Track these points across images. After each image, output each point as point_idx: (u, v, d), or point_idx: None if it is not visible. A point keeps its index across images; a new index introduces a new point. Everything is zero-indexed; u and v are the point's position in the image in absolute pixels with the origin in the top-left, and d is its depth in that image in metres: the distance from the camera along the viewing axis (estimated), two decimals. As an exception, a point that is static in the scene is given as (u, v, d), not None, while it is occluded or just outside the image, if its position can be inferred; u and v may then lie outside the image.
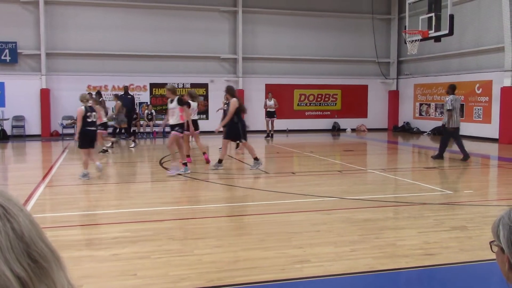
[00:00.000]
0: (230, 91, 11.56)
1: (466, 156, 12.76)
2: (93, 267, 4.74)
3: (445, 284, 4.73)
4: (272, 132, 19.91)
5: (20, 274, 0.63)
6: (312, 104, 24.20)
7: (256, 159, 11.28)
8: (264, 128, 20.47)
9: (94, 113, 10.56)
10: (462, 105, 14.29)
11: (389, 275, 4.70)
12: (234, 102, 11.22)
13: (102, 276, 4.52)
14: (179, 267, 4.73)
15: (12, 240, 0.64)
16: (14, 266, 0.63)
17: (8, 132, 19.53)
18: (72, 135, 19.61)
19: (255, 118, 22.96)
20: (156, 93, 21.95)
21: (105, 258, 5.01)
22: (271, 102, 19.94)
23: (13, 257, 0.63)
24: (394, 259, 5.00)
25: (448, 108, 12.58)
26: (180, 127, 10.56)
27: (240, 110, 11.32)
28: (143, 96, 21.74)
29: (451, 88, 12.98)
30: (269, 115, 20.12)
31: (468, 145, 17.58)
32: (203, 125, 22.09)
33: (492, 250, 1.45)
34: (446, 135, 12.98)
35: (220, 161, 11.37)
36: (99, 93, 17.42)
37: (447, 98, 12.83)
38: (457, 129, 12.95)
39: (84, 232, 6.08)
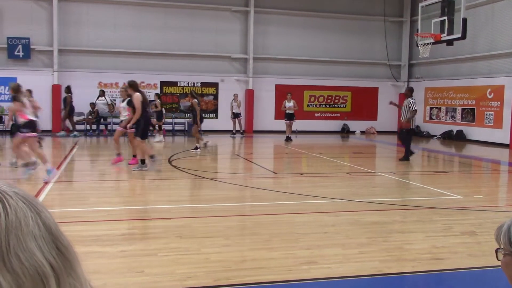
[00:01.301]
0: (133, 86, 10.66)
1: (407, 157, 13.16)
2: (100, 263, 4.76)
3: (452, 289, 4.70)
4: (290, 136, 19.26)
5: (52, 262, 0.66)
6: (322, 106, 24.15)
7: (143, 161, 10.69)
8: (275, 129, 20.54)
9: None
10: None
11: (396, 278, 4.68)
12: (137, 96, 10.47)
13: (110, 273, 4.54)
14: (186, 265, 4.73)
15: (43, 231, 0.68)
16: (47, 254, 0.66)
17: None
18: (81, 131, 19.75)
19: (264, 119, 22.99)
20: (166, 91, 22.01)
21: (113, 255, 5.03)
22: (291, 104, 19.23)
23: (45, 246, 0.67)
24: (402, 263, 4.98)
25: (415, 109, 12.99)
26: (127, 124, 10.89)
27: (145, 105, 10.67)
28: (153, 94, 21.77)
29: (410, 91, 13.53)
30: (288, 117, 19.37)
31: (479, 150, 17.49)
32: (213, 123, 22.26)
33: (497, 258, 1.41)
34: (409, 135, 13.48)
35: (142, 161, 10.73)
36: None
37: (410, 100, 13.11)
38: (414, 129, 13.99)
39: (92, 228, 6.11)
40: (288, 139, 19.02)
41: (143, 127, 10.64)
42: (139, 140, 10.71)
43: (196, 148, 14.18)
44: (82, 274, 0.72)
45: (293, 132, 20.26)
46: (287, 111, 19.22)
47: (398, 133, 14.03)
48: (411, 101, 13.01)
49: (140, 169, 10.64)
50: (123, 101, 11.35)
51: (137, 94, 10.51)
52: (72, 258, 0.70)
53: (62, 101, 19.76)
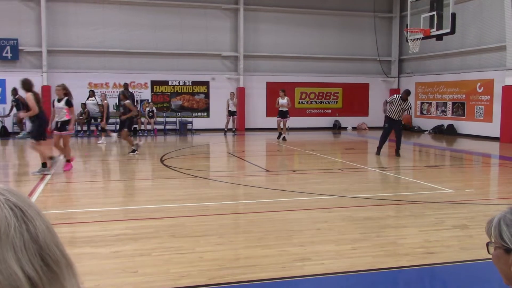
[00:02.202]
0: (26, 85, 9.94)
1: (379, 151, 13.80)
2: (94, 264, 4.75)
3: (445, 283, 4.73)
4: (284, 135, 18.27)
5: (31, 275, 0.64)
6: (313, 102, 24.19)
7: (44, 165, 10.12)
8: (267, 126, 20.52)
9: None
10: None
11: (389, 273, 4.70)
12: (29, 96, 9.88)
13: (103, 273, 4.52)
14: (180, 265, 4.73)
15: (26, 241, 0.65)
16: (25, 266, 0.64)
17: (9, 129, 19.52)
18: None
19: (256, 116, 22.99)
20: (157, 91, 21.95)
21: (106, 255, 5.02)
22: (284, 101, 18.31)
23: (25, 258, 0.64)
24: (395, 258, 5.01)
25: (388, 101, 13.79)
26: (67, 124, 10.61)
27: (40, 105, 10.09)
28: (144, 94, 21.74)
29: (407, 94, 13.71)
30: (282, 115, 18.41)
31: (469, 144, 17.60)
32: (204, 122, 22.23)
33: (489, 252, 1.42)
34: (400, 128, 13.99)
35: (44, 164, 10.12)
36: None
37: (410, 104, 13.86)
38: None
39: (85, 229, 6.09)
40: (280, 137, 18.26)
41: (37, 128, 10.12)
42: (33, 142, 10.14)
43: (133, 151, 13.55)
44: (72, 281, 0.69)
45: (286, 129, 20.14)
46: (280, 109, 18.42)
47: (388, 129, 14.00)
48: (410, 105, 13.94)
49: (42, 173, 10.01)
50: (59, 100, 10.60)
51: (29, 93, 9.93)
52: (60, 271, 0.67)
53: (15, 102, 18.50)
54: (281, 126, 18.41)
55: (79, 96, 20.19)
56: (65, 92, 10.64)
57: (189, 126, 21.20)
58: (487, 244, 1.42)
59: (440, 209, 7.21)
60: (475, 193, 8.55)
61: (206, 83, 22.55)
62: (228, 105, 20.90)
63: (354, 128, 24.20)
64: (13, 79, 20.01)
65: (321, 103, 24.31)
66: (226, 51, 22.62)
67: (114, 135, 17.43)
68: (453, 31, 15.81)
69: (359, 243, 5.44)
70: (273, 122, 21.59)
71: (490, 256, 1.43)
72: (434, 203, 7.54)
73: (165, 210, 7.11)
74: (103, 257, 4.96)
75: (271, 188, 8.78)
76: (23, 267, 0.63)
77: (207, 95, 22.59)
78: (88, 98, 20.05)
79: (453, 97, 21.28)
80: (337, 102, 24.55)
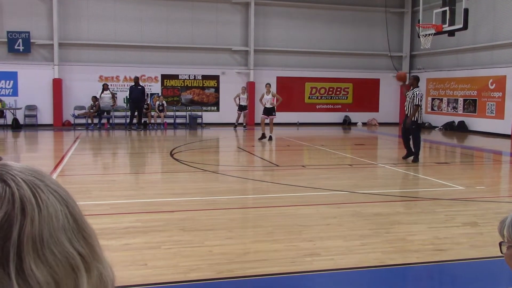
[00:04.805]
0: None
1: (411, 154, 11.67)
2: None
3: (455, 280, 4.72)
4: (270, 134, 16.15)
5: (81, 251, 0.71)
6: (323, 98, 24.11)
7: None
8: (276, 121, 20.34)
9: None
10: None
11: (399, 270, 4.69)
12: None
13: (113, 266, 4.53)
14: (189, 258, 4.75)
15: (71, 222, 0.72)
16: (76, 244, 0.71)
17: (21, 121, 19.68)
18: (83, 125, 19.78)
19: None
20: (167, 85, 22.00)
21: (116, 248, 5.05)
22: (269, 96, 16.24)
23: (74, 237, 0.71)
24: (404, 254, 4.99)
25: (417, 104, 11.31)
26: None
27: None
28: (154, 87, 21.79)
29: (416, 80, 11.74)
30: (266, 112, 16.33)
31: (481, 141, 17.47)
32: (214, 117, 22.27)
33: (501, 251, 1.42)
34: (418, 131, 11.64)
35: None
36: None
37: (415, 91, 11.50)
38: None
39: (95, 222, 6.12)
40: (263, 136, 16.17)
41: None
42: None
43: None
44: (103, 255, 0.77)
45: (294, 124, 20.09)
46: (265, 105, 16.31)
47: (402, 129, 11.99)
48: (415, 92, 11.46)
49: None
50: None
51: None
52: (95, 243, 0.75)
53: None
54: (270, 124, 16.31)
55: (90, 89, 20.36)
56: None
57: (199, 120, 21.24)
58: (500, 244, 1.41)
59: (450, 206, 7.18)
60: (486, 191, 8.50)
61: (216, 77, 22.55)
62: (240, 99, 20.84)
63: (364, 124, 24.10)
64: (25, 72, 20.21)
65: (331, 99, 24.23)
66: (236, 46, 22.59)
67: None
68: (465, 26, 15.69)
69: (368, 239, 5.43)
70: (283, 116, 21.62)
71: (501, 254, 1.42)
72: (444, 200, 7.51)
73: (175, 204, 7.14)
74: (112, 250, 4.99)
75: (280, 183, 8.78)
76: (74, 245, 0.70)
77: (217, 89, 22.60)
78: (103, 92, 20.11)
79: (465, 94, 21.12)
80: (347, 97, 24.45)
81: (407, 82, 12.51)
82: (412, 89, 11.59)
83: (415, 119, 11.38)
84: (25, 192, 0.69)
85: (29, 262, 0.66)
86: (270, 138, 16.05)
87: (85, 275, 0.71)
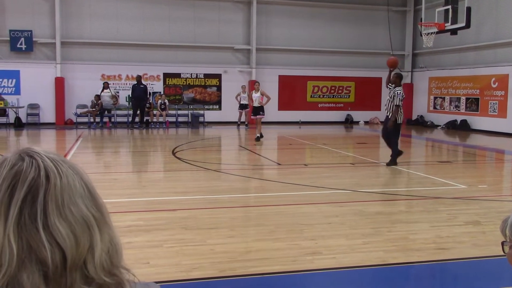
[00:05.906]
0: None
1: (394, 160, 10.92)
2: (106, 254, 4.78)
3: (457, 279, 4.71)
4: (258, 134, 15.64)
5: (95, 214, 0.88)
6: (325, 96, 24.09)
7: None
8: (279, 120, 20.41)
9: None
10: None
11: (401, 268, 4.69)
12: None
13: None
14: (191, 257, 4.76)
15: (85, 190, 0.89)
16: (90, 208, 0.87)
17: (23, 120, 19.71)
18: (85, 123, 19.81)
19: (268, 110, 22.83)
20: (169, 83, 22.01)
21: (118, 246, 5.05)
22: (257, 95, 15.80)
23: (89, 202, 0.88)
24: (406, 253, 4.99)
25: (397, 104, 10.73)
26: None
27: None
28: (157, 86, 21.80)
29: (399, 78, 11.11)
30: (254, 111, 16.08)
31: (483, 140, 17.44)
32: (216, 115, 22.27)
33: (504, 251, 1.41)
34: (396, 132, 11.09)
35: None
36: None
37: (397, 90, 10.87)
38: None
39: (97, 220, 6.14)
40: (257, 138, 15.53)
41: None
42: None
43: None
44: (112, 225, 0.93)
45: (296, 123, 20.07)
46: (254, 104, 16.02)
47: (382, 130, 11.57)
48: (397, 91, 10.83)
49: None
50: None
51: None
52: (105, 212, 0.91)
53: None
54: (258, 124, 15.91)
55: (92, 88, 20.37)
56: None
57: (201, 119, 21.24)
58: (502, 243, 1.41)
59: (452, 204, 7.17)
60: (488, 189, 8.49)
61: (218, 76, 22.55)
62: (240, 98, 20.84)
63: (366, 123, 24.08)
64: (27, 71, 20.23)
65: (333, 97, 24.20)
66: (238, 44, 22.58)
67: None
68: (468, 25, 15.65)
69: (370, 238, 5.43)
70: (285, 115, 21.63)
71: (503, 253, 1.42)
72: (446, 199, 7.50)
73: (177, 202, 7.15)
74: (115, 248, 5.00)
75: (282, 182, 8.78)
76: (89, 209, 0.87)
77: (219, 88, 22.60)
78: (103, 90, 20.14)
79: (467, 92, 21.08)
80: (349, 96, 24.43)
81: (397, 69, 11.76)
82: (394, 87, 11.01)
83: (394, 119, 10.86)
84: (48, 164, 0.86)
85: (53, 218, 0.82)
86: (258, 139, 15.41)
87: (98, 234, 0.87)
